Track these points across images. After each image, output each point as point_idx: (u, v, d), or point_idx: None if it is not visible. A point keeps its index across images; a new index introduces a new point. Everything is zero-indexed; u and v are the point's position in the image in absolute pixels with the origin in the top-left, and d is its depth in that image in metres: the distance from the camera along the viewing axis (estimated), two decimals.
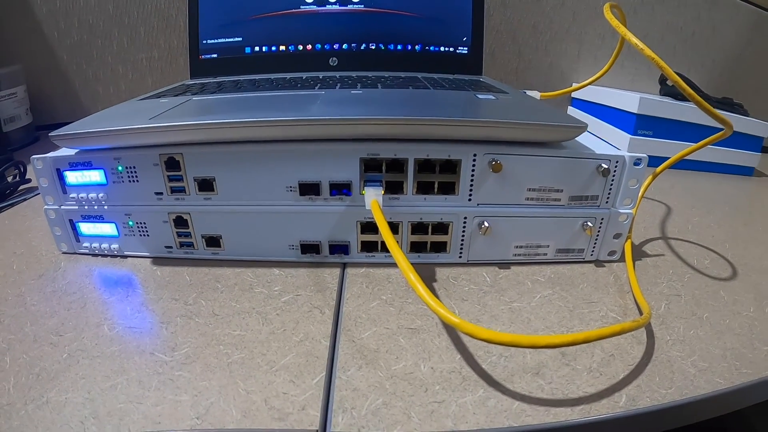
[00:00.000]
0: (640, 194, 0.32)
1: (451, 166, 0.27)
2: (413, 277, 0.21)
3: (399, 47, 0.44)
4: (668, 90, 0.59)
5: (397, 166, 0.26)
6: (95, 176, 0.29)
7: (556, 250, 0.30)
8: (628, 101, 0.52)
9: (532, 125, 0.26)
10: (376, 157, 0.26)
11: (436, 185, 0.27)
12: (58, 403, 0.21)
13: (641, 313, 0.27)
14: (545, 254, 0.30)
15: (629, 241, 0.31)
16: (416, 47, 0.44)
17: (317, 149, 0.26)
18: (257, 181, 0.27)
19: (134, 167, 0.28)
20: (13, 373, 0.23)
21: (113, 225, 0.30)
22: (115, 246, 0.31)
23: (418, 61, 0.44)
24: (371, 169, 0.27)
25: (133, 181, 0.29)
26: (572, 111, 0.68)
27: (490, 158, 0.27)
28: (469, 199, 0.28)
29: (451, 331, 0.25)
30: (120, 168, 0.28)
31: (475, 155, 0.27)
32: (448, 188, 0.27)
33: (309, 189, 0.27)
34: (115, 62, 0.57)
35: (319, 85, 0.34)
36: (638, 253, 0.34)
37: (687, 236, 0.38)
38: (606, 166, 0.28)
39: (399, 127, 0.25)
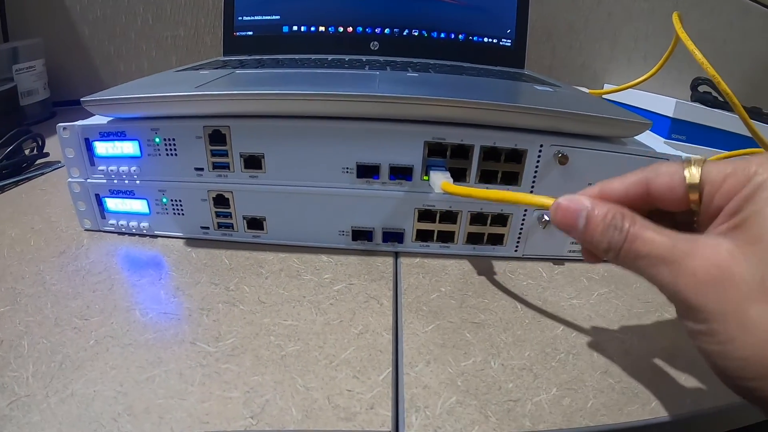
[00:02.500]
0: None
1: (516, 156, 0.24)
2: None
3: (442, 35, 0.41)
4: (699, 96, 0.57)
5: (462, 152, 0.24)
6: (128, 148, 0.25)
7: None
8: (664, 105, 0.51)
9: (601, 119, 0.23)
10: (441, 142, 0.23)
11: (499, 174, 0.24)
12: (86, 396, 0.17)
13: None
14: None
15: None
16: (459, 36, 0.41)
17: (379, 129, 0.23)
18: (311, 160, 0.24)
19: (173, 139, 0.24)
20: (32, 359, 0.19)
21: (144, 201, 0.26)
22: (145, 224, 0.27)
23: (461, 50, 0.41)
24: (434, 153, 0.23)
25: (171, 154, 0.25)
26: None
27: (555, 150, 0.24)
28: (531, 191, 0.25)
29: (516, 326, 0.22)
30: (157, 140, 0.24)
31: (541, 146, 0.24)
32: (512, 178, 0.24)
33: (367, 171, 0.24)
34: (139, 39, 0.52)
35: (368, 66, 0.31)
36: None
37: None
38: None
39: (470, 111, 0.22)
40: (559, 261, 0.28)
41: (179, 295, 0.23)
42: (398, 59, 0.37)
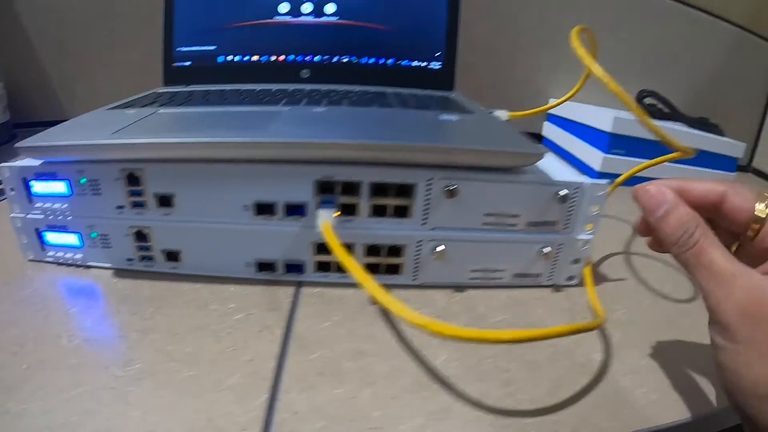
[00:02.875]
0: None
1: (405, 190, 0.28)
2: (372, 285, 0.22)
3: (371, 61, 0.45)
4: (644, 108, 0.60)
5: (351, 188, 0.28)
6: (59, 187, 0.31)
7: (513, 274, 0.31)
8: (603, 120, 0.53)
9: (487, 152, 0.27)
10: (330, 180, 0.27)
11: (390, 208, 0.28)
12: (17, 413, 0.22)
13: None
14: (501, 278, 0.31)
15: (589, 266, 0.32)
16: (389, 62, 0.45)
17: (273, 170, 0.27)
18: (214, 198, 0.29)
19: (97, 180, 0.30)
20: None
21: (77, 236, 0.32)
22: (78, 256, 0.32)
23: (391, 75, 0.45)
24: (326, 190, 0.28)
25: (96, 193, 0.30)
26: (548, 127, 0.70)
27: (445, 183, 0.28)
28: (424, 223, 0.29)
29: (397, 356, 0.26)
30: (83, 180, 0.30)
31: (430, 180, 0.28)
32: (403, 211, 0.28)
33: (264, 209, 0.28)
34: (94, 62, 0.58)
35: (285, 99, 0.35)
36: (598, 277, 0.35)
37: (652, 260, 0.39)
38: (564, 193, 0.29)
39: (352, 152, 0.26)
40: (460, 288, 0.32)
41: (102, 323, 0.28)
42: (324, 87, 0.41)
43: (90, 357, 0.26)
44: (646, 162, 0.34)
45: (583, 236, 0.31)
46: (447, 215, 0.29)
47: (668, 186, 0.20)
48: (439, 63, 0.45)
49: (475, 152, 0.27)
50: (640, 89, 0.62)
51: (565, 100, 0.44)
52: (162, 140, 0.26)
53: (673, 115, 0.59)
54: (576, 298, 0.32)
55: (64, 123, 0.32)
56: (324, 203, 0.28)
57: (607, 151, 0.53)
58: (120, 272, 0.33)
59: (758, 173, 0.75)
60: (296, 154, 0.26)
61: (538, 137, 0.73)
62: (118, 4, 0.57)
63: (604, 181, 0.30)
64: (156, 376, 0.25)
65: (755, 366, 0.16)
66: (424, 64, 0.45)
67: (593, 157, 0.54)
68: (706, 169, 0.55)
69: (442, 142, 0.27)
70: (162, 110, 0.34)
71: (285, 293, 0.30)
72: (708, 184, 0.20)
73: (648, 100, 0.60)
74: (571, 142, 0.61)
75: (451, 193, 0.27)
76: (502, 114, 0.40)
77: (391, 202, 0.28)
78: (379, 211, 0.28)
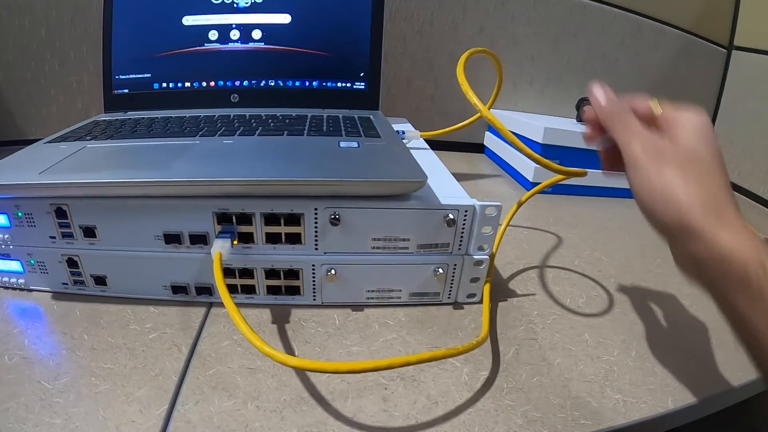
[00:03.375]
0: (497, 238, 0.38)
1: (294, 219, 0.34)
2: (238, 318, 0.29)
3: (297, 84, 0.51)
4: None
5: (245, 219, 0.35)
6: (1, 219, 0.39)
7: (410, 293, 0.37)
8: (534, 130, 0.58)
9: (366, 182, 0.33)
10: (226, 212, 0.34)
11: (283, 236, 0.35)
12: None
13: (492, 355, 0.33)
14: (399, 297, 0.37)
15: (488, 284, 0.38)
16: (314, 83, 0.51)
17: (176, 204, 0.35)
18: (130, 229, 0.36)
19: (31, 214, 0.38)
20: None
21: (19, 263, 0.40)
22: (21, 281, 0.41)
23: (316, 97, 0.51)
24: (224, 221, 0.35)
25: (31, 225, 0.38)
26: (489, 137, 0.76)
27: (330, 212, 0.34)
28: (316, 248, 0.36)
29: (285, 372, 0.33)
30: (20, 214, 0.38)
31: (316, 209, 0.34)
32: (295, 238, 0.35)
33: (172, 239, 0.36)
34: (47, 84, 0.67)
35: (205, 129, 0.43)
36: (506, 293, 0.41)
37: (569, 273, 0.45)
38: (452, 217, 0.35)
39: (240, 188, 0.33)
40: (358, 307, 0.38)
41: (37, 342, 0.37)
42: (249, 112, 0.49)
43: (25, 372, 0.34)
44: (546, 182, 0.39)
45: (479, 256, 0.37)
46: (337, 241, 0.35)
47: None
48: (363, 83, 0.51)
49: (353, 183, 0.33)
50: (580, 97, 0.66)
51: (468, 124, 0.50)
52: (75, 181, 0.34)
53: None
54: (475, 315, 0.38)
55: (3, 160, 0.41)
56: (222, 233, 0.35)
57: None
58: (58, 295, 0.41)
59: None
60: (191, 191, 0.34)
61: (481, 147, 0.78)
62: (68, 29, 0.66)
63: (494, 203, 0.36)
64: (78, 389, 0.33)
65: (653, 179, 0.27)
66: (349, 84, 0.51)
67: (527, 167, 0.60)
68: None
69: (324, 175, 0.33)
70: (90, 145, 0.41)
71: (197, 314, 0.38)
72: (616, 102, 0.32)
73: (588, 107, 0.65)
74: (508, 152, 0.67)
75: (336, 221, 0.34)
76: (414, 134, 0.46)
77: (282, 230, 0.35)
78: (273, 239, 0.35)
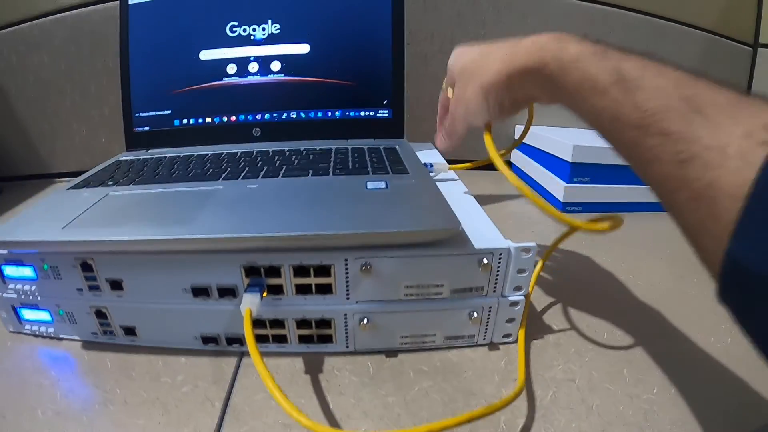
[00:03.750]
0: (533, 277, 0.37)
1: (324, 270, 0.33)
2: (270, 384, 0.29)
3: (320, 114, 0.50)
4: None
5: (274, 271, 0.33)
6: (27, 272, 0.38)
7: (445, 337, 0.36)
8: (563, 149, 0.56)
9: (398, 233, 0.32)
10: (254, 265, 0.33)
11: (313, 287, 0.34)
12: None
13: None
14: (433, 342, 0.36)
15: (523, 327, 0.37)
16: (336, 113, 0.49)
17: (203, 259, 0.33)
18: (157, 283, 0.35)
19: (57, 267, 0.37)
20: None
21: (47, 312, 0.40)
22: (51, 330, 0.40)
23: (340, 127, 0.50)
24: (252, 273, 0.34)
25: (58, 278, 0.37)
26: (516, 154, 0.73)
27: (361, 262, 0.33)
28: (347, 298, 0.34)
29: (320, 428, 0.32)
30: (45, 267, 0.37)
31: (346, 260, 0.33)
32: (326, 289, 0.34)
33: (200, 292, 0.34)
34: (69, 118, 0.66)
35: (228, 170, 0.41)
36: (542, 329, 0.39)
37: (605, 301, 0.43)
38: (487, 262, 0.33)
39: (268, 243, 0.32)
40: (392, 353, 0.37)
41: (70, 396, 0.36)
42: (273, 147, 0.47)
43: (60, 429, 0.33)
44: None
45: (514, 297, 0.35)
46: (368, 289, 0.34)
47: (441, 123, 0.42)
48: (387, 111, 0.49)
49: (384, 235, 0.31)
50: None
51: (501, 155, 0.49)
52: (98, 239, 0.33)
53: None
54: (512, 356, 0.37)
55: (29, 210, 0.40)
56: (251, 286, 0.34)
57: (569, 181, 0.56)
58: (88, 344, 0.40)
59: None
60: (218, 246, 0.32)
61: (507, 164, 0.76)
62: (87, 63, 0.65)
63: (529, 245, 0.34)
64: None
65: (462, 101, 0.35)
66: (372, 113, 0.49)
67: (556, 186, 0.57)
68: None
69: (353, 227, 0.31)
70: (112, 192, 0.40)
71: (228, 364, 0.37)
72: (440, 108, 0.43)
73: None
74: (537, 171, 0.64)
75: (367, 272, 0.33)
76: (443, 167, 0.44)
77: (312, 281, 0.33)
78: (304, 290, 0.34)
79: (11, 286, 0.39)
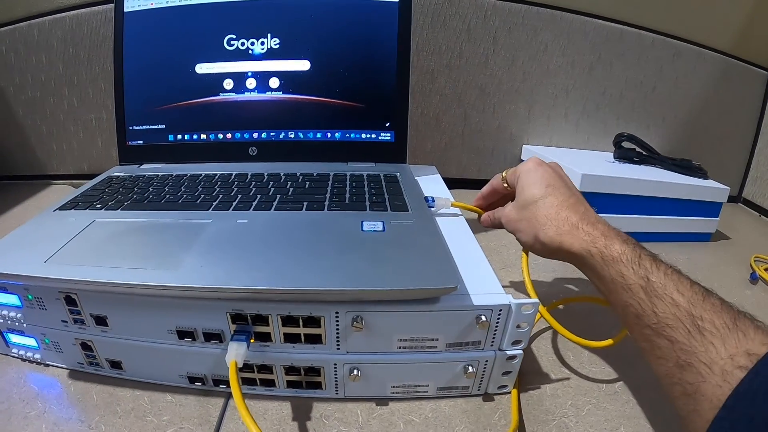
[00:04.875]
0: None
1: (314, 321, 0.30)
2: None
3: (318, 135, 0.45)
4: (623, 153, 0.57)
5: (262, 319, 0.30)
6: (12, 299, 0.35)
7: (438, 387, 0.33)
8: (571, 176, 0.51)
9: (393, 291, 0.28)
10: (240, 313, 0.30)
11: (302, 336, 0.30)
12: None
13: None
14: (425, 391, 0.33)
15: (516, 388, 0.34)
16: (336, 135, 0.45)
17: (190, 303, 0.30)
18: (141, 322, 0.32)
19: (41, 298, 0.34)
20: None
21: (33, 339, 0.37)
22: (37, 356, 0.37)
23: (340, 149, 0.45)
24: (240, 319, 0.30)
25: (42, 308, 0.34)
26: None
27: (352, 316, 0.29)
28: (338, 348, 0.31)
29: None
30: (30, 297, 0.34)
31: (337, 312, 0.29)
32: (315, 339, 0.31)
33: (185, 335, 0.31)
34: (67, 120, 0.62)
35: (220, 197, 0.38)
36: (539, 377, 0.36)
37: (602, 351, 0.39)
38: (485, 319, 0.30)
39: (256, 294, 0.28)
40: (383, 401, 0.34)
41: (55, 430, 0.34)
42: (266, 171, 0.43)
43: None
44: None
45: (512, 352, 0.32)
46: (360, 341, 0.31)
47: (481, 197, 0.44)
48: (389, 134, 0.45)
49: (377, 292, 0.28)
50: (618, 133, 0.59)
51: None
52: (80, 278, 0.30)
53: (652, 158, 0.56)
54: (506, 408, 0.34)
55: (12, 235, 0.36)
56: (237, 332, 0.30)
57: None
58: (73, 372, 0.37)
59: (748, 203, 0.72)
60: (205, 295, 0.29)
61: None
62: (86, 66, 0.60)
63: (531, 301, 0.31)
64: None
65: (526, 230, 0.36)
66: (374, 136, 0.45)
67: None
68: (689, 218, 0.53)
69: (345, 282, 0.28)
70: (99, 219, 0.37)
71: (215, 405, 0.34)
72: (487, 187, 0.44)
73: (626, 144, 0.57)
74: None
75: (359, 326, 0.29)
76: (445, 203, 0.40)
77: (301, 331, 0.30)
78: (292, 338, 0.31)
79: None
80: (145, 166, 0.48)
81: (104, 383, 0.36)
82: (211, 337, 0.31)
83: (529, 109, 0.65)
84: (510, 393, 0.34)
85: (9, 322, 0.36)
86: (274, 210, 0.36)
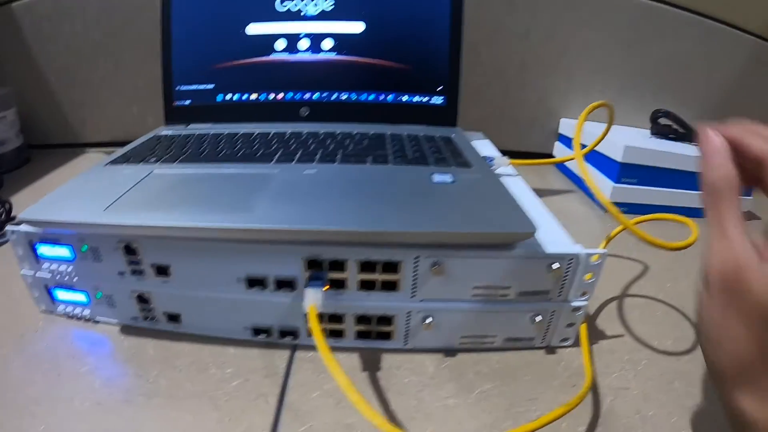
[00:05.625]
0: None
1: (392, 267, 0.29)
2: (344, 383, 0.24)
3: (371, 97, 0.44)
4: (659, 129, 0.58)
5: (338, 265, 0.29)
6: (63, 252, 0.33)
7: (504, 339, 0.32)
8: (613, 149, 0.52)
9: (476, 234, 0.27)
10: (317, 258, 0.28)
11: (378, 283, 0.29)
12: None
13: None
14: (492, 342, 0.32)
15: (585, 331, 0.33)
16: (389, 97, 0.44)
17: (261, 248, 0.29)
18: (208, 271, 0.30)
19: (97, 248, 0.32)
20: None
21: (84, 294, 0.34)
22: (86, 312, 0.35)
23: (391, 111, 0.44)
24: (314, 266, 0.29)
25: (98, 260, 0.32)
26: (559, 148, 0.68)
27: (432, 261, 0.28)
28: (413, 296, 0.30)
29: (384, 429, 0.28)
30: (84, 248, 0.32)
31: (417, 257, 0.28)
32: (391, 286, 0.29)
33: (255, 283, 0.30)
34: (102, 88, 0.59)
35: (280, 151, 0.36)
36: (596, 334, 0.36)
37: (655, 307, 0.39)
38: (557, 266, 0.29)
39: (336, 237, 0.27)
40: (450, 352, 0.33)
41: (110, 385, 0.31)
42: (323, 129, 0.41)
43: (99, 423, 0.28)
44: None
45: (578, 303, 0.31)
46: (435, 288, 0.29)
47: (727, 134, 0.21)
48: (442, 98, 0.44)
49: (462, 235, 0.27)
50: (655, 109, 0.59)
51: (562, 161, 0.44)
52: (146, 224, 0.28)
53: (688, 135, 0.57)
54: (569, 360, 0.33)
55: (64, 187, 0.34)
56: (313, 279, 0.29)
57: (617, 181, 0.52)
58: (126, 328, 0.35)
59: None
60: (281, 238, 0.27)
61: (549, 157, 0.71)
62: (122, 33, 0.58)
63: (600, 251, 0.30)
64: None
65: (723, 340, 0.19)
66: (426, 99, 0.44)
67: (603, 186, 0.53)
68: None
69: (426, 224, 0.27)
70: (157, 170, 0.35)
71: (281, 357, 0.32)
72: (764, 146, 0.20)
73: (662, 120, 0.58)
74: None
75: (438, 271, 0.28)
76: (503, 162, 0.40)
77: (378, 277, 0.29)
78: (368, 285, 0.29)
79: (45, 265, 0.33)
80: (192, 126, 0.46)
81: (160, 338, 0.34)
82: (284, 284, 0.30)
83: (568, 83, 0.65)
84: (570, 346, 0.34)
85: (58, 277, 0.34)
86: (339, 163, 0.35)
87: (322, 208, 0.29)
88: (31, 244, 0.33)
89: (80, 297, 0.35)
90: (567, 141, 0.66)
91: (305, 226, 0.27)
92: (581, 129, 0.33)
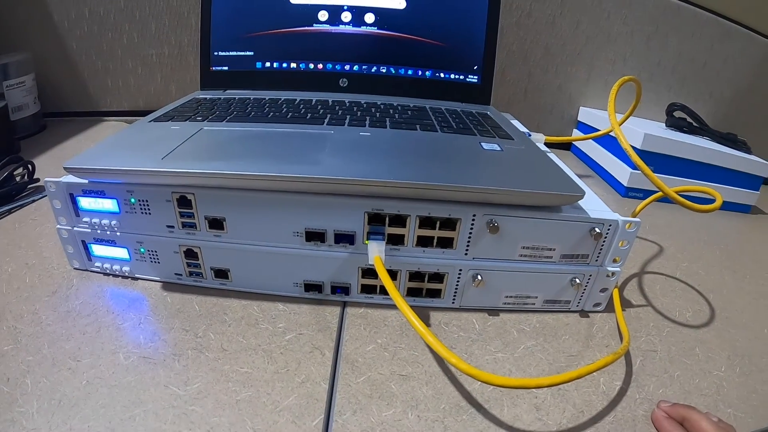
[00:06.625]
0: None
1: (450, 224, 0.28)
2: (421, 327, 0.24)
3: (410, 72, 0.44)
4: (674, 122, 0.60)
5: (399, 221, 0.28)
6: (108, 204, 0.31)
7: (544, 300, 0.32)
8: (633, 135, 0.53)
9: (532, 193, 0.28)
10: (380, 213, 0.28)
11: (435, 240, 0.29)
12: (81, 431, 0.23)
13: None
14: (533, 304, 0.32)
15: (617, 294, 0.34)
16: (426, 73, 0.44)
17: (324, 201, 0.28)
18: (265, 224, 0.29)
19: (147, 201, 0.30)
20: (35, 397, 0.25)
21: (125, 249, 0.32)
22: (126, 269, 0.33)
23: (428, 87, 0.44)
24: (375, 220, 0.28)
25: (146, 213, 0.30)
26: (577, 134, 0.69)
27: (488, 219, 0.28)
28: (466, 253, 0.30)
29: (438, 379, 0.27)
30: (132, 200, 0.30)
31: (474, 215, 0.28)
32: (447, 243, 0.29)
33: (314, 236, 0.29)
34: (125, 56, 0.56)
35: (329, 116, 0.35)
36: (623, 303, 0.36)
37: (673, 284, 0.41)
38: (599, 230, 0.30)
39: (403, 190, 0.27)
40: (494, 312, 0.33)
41: (155, 340, 0.29)
42: (363, 100, 0.41)
43: (148, 375, 0.27)
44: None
45: (612, 268, 0.32)
46: (487, 247, 0.30)
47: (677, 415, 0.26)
48: (477, 77, 0.45)
49: (520, 194, 0.27)
50: (671, 102, 0.61)
51: (600, 135, 0.45)
52: (213, 171, 0.26)
53: (701, 129, 0.59)
54: (601, 324, 0.34)
55: (109, 139, 0.32)
56: (372, 233, 0.28)
57: (634, 167, 0.54)
58: (168, 286, 0.33)
59: None
60: (348, 190, 0.27)
61: (567, 145, 0.72)
62: (149, 1, 0.55)
63: (635, 219, 0.31)
64: (215, 396, 0.26)
65: None
66: (462, 77, 0.45)
67: (621, 171, 0.55)
68: (731, 187, 0.56)
69: (488, 183, 0.27)
70: (207, 127, 0.33)
71: (331, 313, 0.31)
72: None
73: (677, 114, 0.60)
74: (600, 154, 0.61)
75: (494, 229, 0.28)
76: (539, 137, 0.40)
77: (435, 234, 0.29)
78: (425, 242, 0.29)
79: (85, 219, 0.31)
80: (229, 91, 0.44)
81: (205, 294, 0.33)
82: (343, 238, 0.29)
83: (588, 72, 0.65)
84: (602, 311, 0.34)
85: (99, 231, 0.32)
86: (390, 129, 0.35)
87: (387, 164, 0.28)
88: (72, 196, 0.31)
89: (121, 252, 0.33)
90: (585, 129, 0.66)
91: (374, 177, 0.26)
92: (615, 99, 0.33)
